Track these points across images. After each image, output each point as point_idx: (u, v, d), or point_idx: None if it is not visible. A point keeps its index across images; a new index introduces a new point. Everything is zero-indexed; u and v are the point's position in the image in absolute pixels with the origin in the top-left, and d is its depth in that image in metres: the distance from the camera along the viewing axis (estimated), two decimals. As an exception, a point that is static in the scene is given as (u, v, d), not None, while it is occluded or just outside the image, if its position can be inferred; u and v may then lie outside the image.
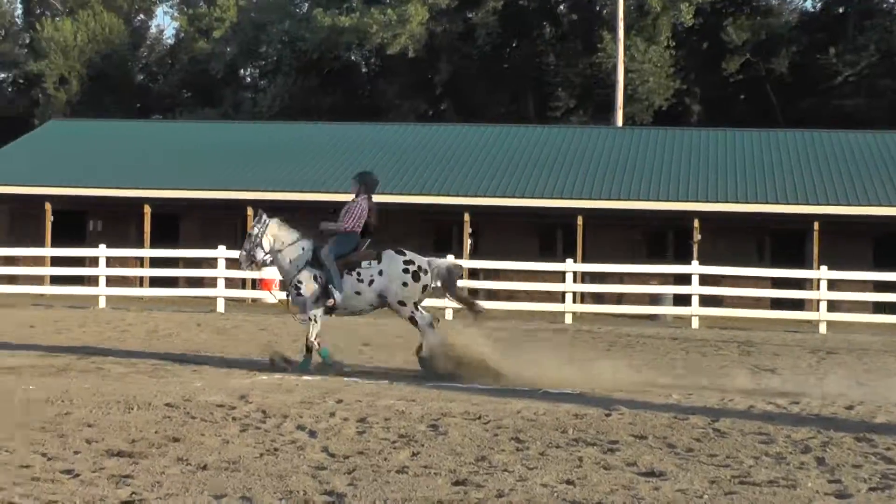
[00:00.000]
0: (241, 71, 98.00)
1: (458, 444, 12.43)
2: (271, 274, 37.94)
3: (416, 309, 19.16)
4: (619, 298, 39.42)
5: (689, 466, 11.41)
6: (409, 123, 60.98)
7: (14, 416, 13.47)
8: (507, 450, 12.16)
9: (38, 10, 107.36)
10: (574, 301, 35.95)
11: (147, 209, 42.02)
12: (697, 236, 40.54)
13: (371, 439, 12.61)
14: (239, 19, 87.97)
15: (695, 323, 34.68)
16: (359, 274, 18.97)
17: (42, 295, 37.38)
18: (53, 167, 46.11)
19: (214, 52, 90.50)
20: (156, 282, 39.75)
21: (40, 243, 41.86)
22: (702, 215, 40.73)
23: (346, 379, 17.98)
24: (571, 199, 41.29)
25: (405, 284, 18.98)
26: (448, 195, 41.58)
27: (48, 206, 43.15)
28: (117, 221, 45.03)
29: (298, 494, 9.93)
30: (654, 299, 38.41)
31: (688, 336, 30.44)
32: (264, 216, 19.80)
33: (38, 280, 39.80)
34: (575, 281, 36.20)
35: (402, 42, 76.84)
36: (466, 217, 40.88)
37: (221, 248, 35.42)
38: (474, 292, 38.96)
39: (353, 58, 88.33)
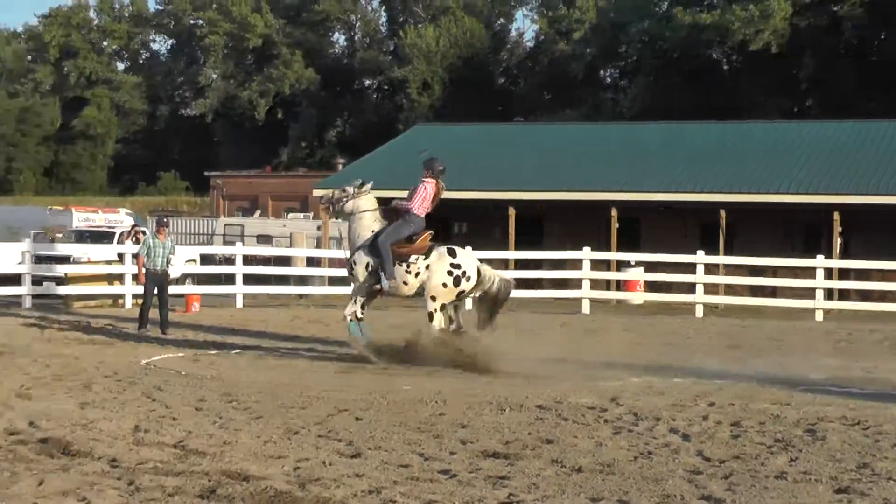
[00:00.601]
0: (601, 72, 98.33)
1: (837, 449, 12.04)
2: (636, 275, 37.97)
3: (442, 310, 19.97)
4: None
5: None
6: (773, 121, 59.73)
7: (391, 415, 13.73)
8: (890, 457, 11.70)
9: (402, 18, 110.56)
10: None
11: (511, 211, 42.37)
12: None
13: (746, 443, 12.33)
14: (598, 20, 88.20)
15: None
16: (408, 266, 20.04)
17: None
18: (418, 171, 46.97)
19: (574, 54, 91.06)
20: (520, 283, 39.93)
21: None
22: None
23: (717, 381, 17.61)
24: (949, 195, 39.44)
25: (444, 285, 19.89)
26: (816, 193, 40.34)
27: (415, 208, 43.96)
28: (482, 223, 45.59)
29: (675, 499, 9.78)
30: None
31: None
32: (367, 185, 21.16)
33: (406, 281, 40.62)
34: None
35: (765, 38, 75.62)
36: (836, 216, 39.57)
37: (586, 249, 35.42)
38: (846, 293, 37.79)
39: (713, 56, 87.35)
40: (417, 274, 19.97)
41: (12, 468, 10.31)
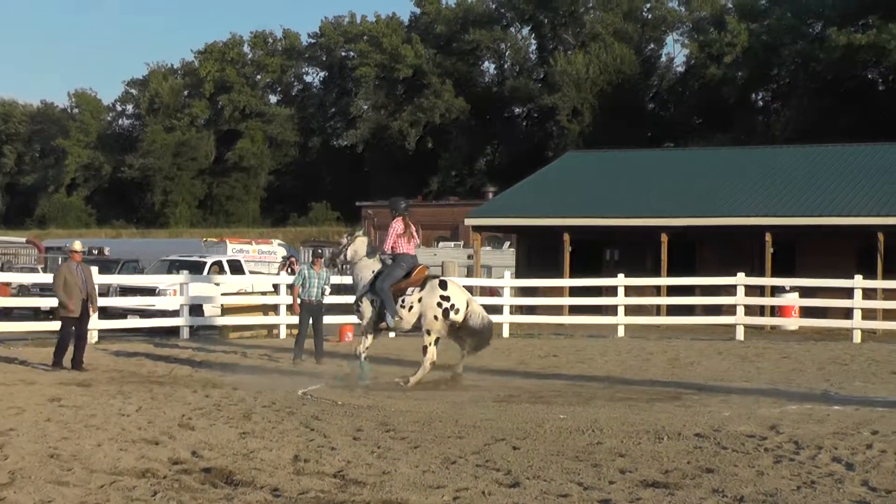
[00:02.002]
0: (753, 95, 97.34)
1: None
2: (791, 301, 37.45)
3: (435, 344, 20.48)
4: None
5: None
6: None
7: (548, 444, 13.68)
8: None
9: (551, 46, 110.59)
10: None
11: (664, 237, 42.06)
12: None
13: (914, 473, 12.04)
14: (750, 43, 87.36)
15: None
16: (402, 301, 20.77)
17: (561, 324, 37.94)
18: (570, 198, 47.02)
19: (726, 77, 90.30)
20: (673, 310, 39.65)
21: (559, 274, 42.71)
22: None
23: (879, 408, 17.25)
24: None
25: (435, 317, 20.48)
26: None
27: (566, 236, 43.88)
28: (634, 250, 45.36)
29: (842, 530, 9.60)
30: None
31: None
32: (357, 233, 22.51)
33: (557, 310, 40.42)
34: None
35: (922, 58, 74.21)
36: None
37: (740, 274, 35.00)
38: None
39: (869, 76, 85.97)
40: (411, 307, 20.67)
41: (178, 497, 10.49)
